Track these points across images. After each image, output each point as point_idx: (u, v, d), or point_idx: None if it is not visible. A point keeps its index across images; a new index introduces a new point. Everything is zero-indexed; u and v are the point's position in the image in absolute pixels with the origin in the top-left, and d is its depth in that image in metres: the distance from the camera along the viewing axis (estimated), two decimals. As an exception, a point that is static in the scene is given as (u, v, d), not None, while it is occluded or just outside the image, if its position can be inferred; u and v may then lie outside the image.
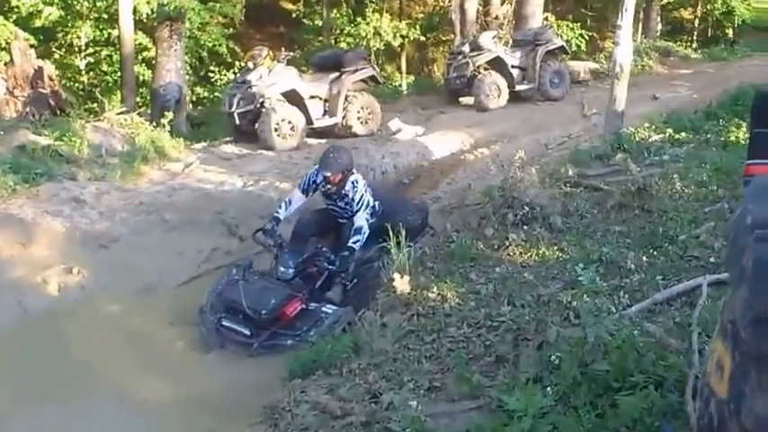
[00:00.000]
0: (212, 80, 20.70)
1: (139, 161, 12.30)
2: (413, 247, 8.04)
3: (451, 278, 7.22)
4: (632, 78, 13.81)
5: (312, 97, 15.14)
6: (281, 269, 8.16)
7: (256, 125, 14.32)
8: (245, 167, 12.90)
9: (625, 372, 4.36)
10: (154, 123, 13.59)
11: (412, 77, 22.48)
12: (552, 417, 3.84)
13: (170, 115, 14.21)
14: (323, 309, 7.85)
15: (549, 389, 4.23)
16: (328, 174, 8.58)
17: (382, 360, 5.84)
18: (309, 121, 14.89)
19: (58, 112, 13.57)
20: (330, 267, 8.26)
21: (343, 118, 15.41)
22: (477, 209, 9.57)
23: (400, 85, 20.77)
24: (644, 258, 7.08)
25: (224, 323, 7.77)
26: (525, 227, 8.48)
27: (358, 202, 8.66)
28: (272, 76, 14.67)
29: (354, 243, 8.31)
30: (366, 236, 8.40)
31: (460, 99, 19.17)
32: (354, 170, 8.95)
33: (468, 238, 8.46)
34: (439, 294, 6.73)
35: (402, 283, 6.83)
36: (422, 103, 19.67)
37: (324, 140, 14.70)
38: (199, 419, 6.23)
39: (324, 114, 15.30)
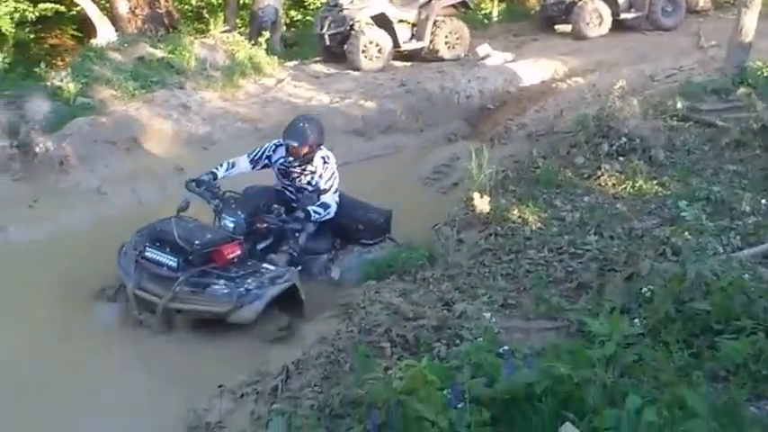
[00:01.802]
0: (306, 4, 19.98)
1: (238, 75, 12.05)
2: (373, 246, 6.76)
3: (534, 202, 6.54)
4: (764, 9, 10.90)
5: (401, 21, 14.22)
6: (229, 220, 6.00)
7: (345, 46, 13.69)
8: (332, 85, 12.44)
9: (729, 314, 3.75)
10: (252, 42, 13.25)
11: (504, 5, 20.51)
12: (639, 348, 3.40)
13: (266, 35, 13.75)
14: (263, 265, 5.90)
15: (636, 320, 3.73)
16: (295, 144, 6.25)
17: (456, 273, 5.46)
18: (396, 44, 14.03)
19: (171, 30, 13.49)
20: (281, 224, 6.10)
21: (431, 42, 14.22)
22: (567, 137, 8.24)
23: (490, 13, 19.11)
24: (762, 201, 6.06)
25: (146, 254, 5.79)
26: (621, 158, 7.35)
27: (327, 181, 6.40)
28: (363, 0, 13.98)
29: (315, 212, 6.27)
30: (330, 214, 6.41)
31: (556, 27, 16.25)
32: (323, 147, 6.56)
33: (556, 164, 7.46)
34: (519, 217, 6.20)
35: (481, 203, 6.34)
36: (514, 30, 16.91)
37: (409, 63, 13.98)
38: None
39: (411, 38, 14.36)
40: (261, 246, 6.21)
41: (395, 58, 14.01)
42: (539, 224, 6.08)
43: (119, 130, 9.45)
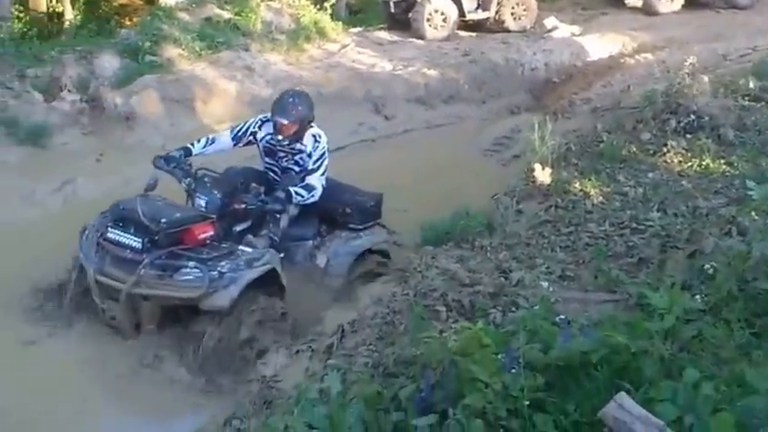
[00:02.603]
0: (372, -30, 19.96)
1: (303, 39, 12.11)
2: (363, 231, 6.10)
3: (597, 176, 6.45)
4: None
5: (467, -10, 14.14)
6: (202, 199, 5.36)
7: (410, 14, 13.60)
8: (396, 53, 12.41)
9: (794, 295, 3.59)
10: (317, 7, 13.27)
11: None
12: (699, 324, 3.35)
13: (332, 0, 13.78)
14: (239, 247, 5.26)
15: (697, 297, 3.67)
16: (284, 121, 5.55)
17: (515, 242, 5.45)
18: (462, 14, 13.86)
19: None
20: (260, 204, 5.39)
21: (497, 13, 13.98)
22: (633, 112, 8.01)
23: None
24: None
25: (108, 235, 5.10)
26: (688, 135, 7.13)
27: (316, 161, 5.67)
28: (428, -31, 13.82)
29: (297, 193, 5.53)
30: (314, 197, 5.65)
31: (627, 1, 15.81)
32: (314, 124, 5.84)
33: (620, 139, 7.30)
34: (581, 190, 6.12)
35: (543, 174, 6.28)
36: (582, 4, 16.34)
37: (474, 34, 13.83)
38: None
39: (477, 8, 14.14)
40: (238, 228, 5.50)
41: (459, 28, 13.89)
42: (600, 198, 6.00)
43: (184, 89, 9.63)
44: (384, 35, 13.62)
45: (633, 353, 3.02)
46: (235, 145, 5.90)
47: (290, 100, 5.69)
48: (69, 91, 9.28)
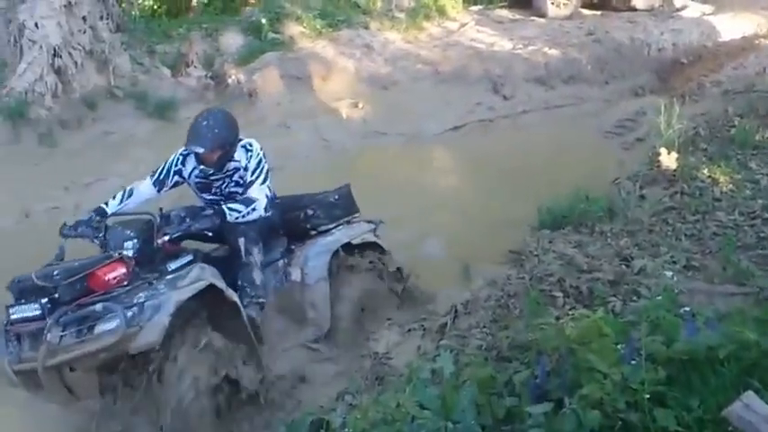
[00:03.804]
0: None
1: (422, 17, 12.02)
2: (336, 228, 5.37)
3: (726, 163, 6.13)
4: None
5: (592, -33, 13.64)
6: (124, 248, 4.41)
7: (532, -9, 13.33)
8: (516, 32, 12.17)
9: None
10: (436, -15, 13.15)
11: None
12: (841, 324, 3.14)
13: (452, -22, 13.64)
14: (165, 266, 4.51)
15: None
16: (200, 150, 4.67)
17: (637, 229, 5.25)
18: (586, -9, 13.51)
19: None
20: (185, 230, 4.56)
21: None
22: None
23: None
24: None
25: (12, 317, 4.21)
26: None
27: (254, 171, 4.84)
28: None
29: (233, 209, 4.71)
30: (256, 212, 4.85)
31: None
32: (242, 136, 4.97)
33: (754, 124, 6.89)
34: (709, 176, 5.85)
35: (668, 159, 6.04)
36: None
37: (599, 12, 13.36)
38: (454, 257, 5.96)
39: None
40: (173, 265, 4.55)
41: (584, 6, 13.45)
42: (730, 186, 5.71)
43: (304, 67, 9.78)
44: (505, 13, 13.37)
45: (763, 350, 2.87)
46: (159, 191, 4.97)
47: (204, 123, 4.74)
48: (195, 67, 9.62)
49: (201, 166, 4.83)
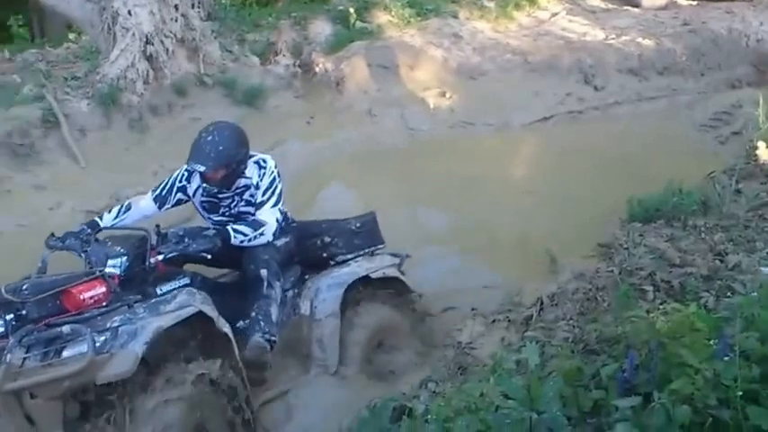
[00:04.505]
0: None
1: (512, 7, 11.94)
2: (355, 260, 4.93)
3: None
4: None
5: (690, -45, 13.21)
6: (109, 265, 3.99)
7: (626, -19, 13.03)
8: (609, 21, 11.92)
9: None
10: (529, -26, 13.00)
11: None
12: None
13: (544, -33, 13.46)
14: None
15: None
16: (201, 168, 4.25)
17: (732, 224, 5.11)
18: (683, -19, 13.09)
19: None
20: (182, 250, 4.13)
21: None
22: None
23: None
24: None
25: None
26: None
27: (266, 191, 4.45)
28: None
29: (239, 231, 4.34)
30: (264, 237, 4.41)
31: None
32: (255, 152, 4.56)
33: None
34: (812, 170, 5.69)
35: (766, 153, 5.84)
36: None
37: (695, 2, 13.01)
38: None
39: None
40: (165, 288, 4.15)
41: (680, -5, 13.10)
42: (831, 180, 5.49)
43: (392, 56, 9.81)
44: (597, 3, 13.12)
45: None
46: (160, 208, 4.62)
47: (209, 139, 4.30)
48: (284, 55, 9.79)
49: (206, 185, 4.41)
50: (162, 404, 3.59)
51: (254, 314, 4.30)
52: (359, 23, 10.46)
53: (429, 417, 2.89)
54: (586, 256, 5.36)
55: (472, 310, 4.81)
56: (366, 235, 5.05)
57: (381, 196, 6.60)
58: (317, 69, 9.47)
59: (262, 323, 4.27)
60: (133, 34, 8.45)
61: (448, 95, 9.37)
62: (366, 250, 5.00)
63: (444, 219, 6.75)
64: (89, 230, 4.33)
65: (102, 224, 4.45)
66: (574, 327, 3.95)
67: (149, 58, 8.49)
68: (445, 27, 10.69)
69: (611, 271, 4.56)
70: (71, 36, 12.09)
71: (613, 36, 11.19)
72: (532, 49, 10.67)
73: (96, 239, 4.28)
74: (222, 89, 8.93)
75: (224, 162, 4.27)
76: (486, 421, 2.63)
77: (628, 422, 2.58)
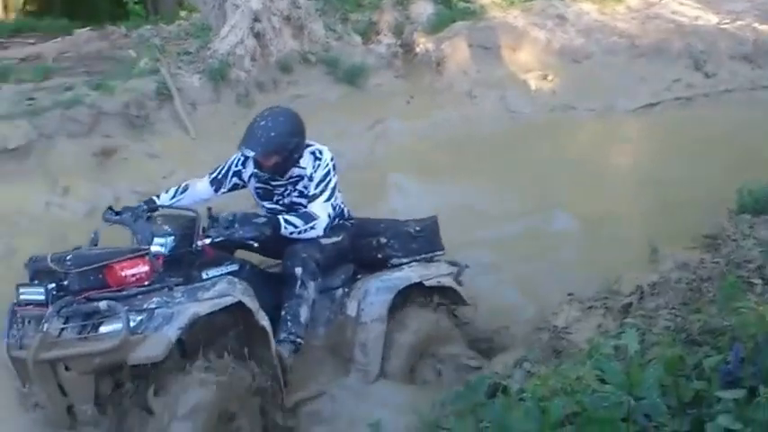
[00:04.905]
0: None
1: (621, -12, 11.63)
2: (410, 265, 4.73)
3: None
4: None
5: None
6: (156, 243, 3.94)
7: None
8: (722, 5, 11.42)
9: None
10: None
11: None
12: None
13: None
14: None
15: None
16: (250, 153, 4.29)
17: None
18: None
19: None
20: (227, 234, 4.05)
21: None
22: None
23: None
24: None
25: (20, 297, 3.81)
26: None
27: (319, 184, 4.36)
28: None
29: (289, 222, 4.25)
30: (314, 231, 4.31)
31: None
32: (312, 142, 4.49)
33: None
34: None
35: None
36: None
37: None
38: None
39: None
40: (210, 273, 4.08)
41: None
42: None
43: (494, 37, 9.73)
44: (711, -14, 12.67)
45: None
46: (216, 191, 4.63)
47: (262, 124, 4.29)
48: (385, 35, 9.83)
49: (258, 171, 4.42)
50: (193, 389, 3.61)
51: (283, 313, 4.22)
52: (461, 3, 10.40)
53: (525, 394, 2.90)
54: (689, 247, 5.22)
55: (569, 295, 4.76)
56: (425, 240, 4.86)
57: (479, 178, 6.61)
58: (418, 49, 9.49)
59: (288, 323, 4.20)
60: (242, 11, 8.67)
61: (550, 78, 9.26)
62: (423, 256, 4.82)
63: (540, 204, 6.68)
64: (145, 207, 4.35)
65: (158, 202, 4.48)
66: (676, 316, 3.87)
67: (257, 36, 8.69)
68: (549, 8, 10.49)
69: (717, 262, 4.44)
70: (182, 14, 12.52)
71: (727, 21, 10.75)
72: (640, 32, 10.38)
73: (148, 217, 4.27)
74: (325, 67, 9.06)
75: (275, 149, 4.24)
76: (583, 403, 2.62)
77: (730, 415, 2.54)
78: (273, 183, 4.48)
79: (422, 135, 7.97)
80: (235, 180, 4.61)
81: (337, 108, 8.48)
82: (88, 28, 11.82)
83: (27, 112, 7.05)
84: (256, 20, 8.70)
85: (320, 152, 4.42)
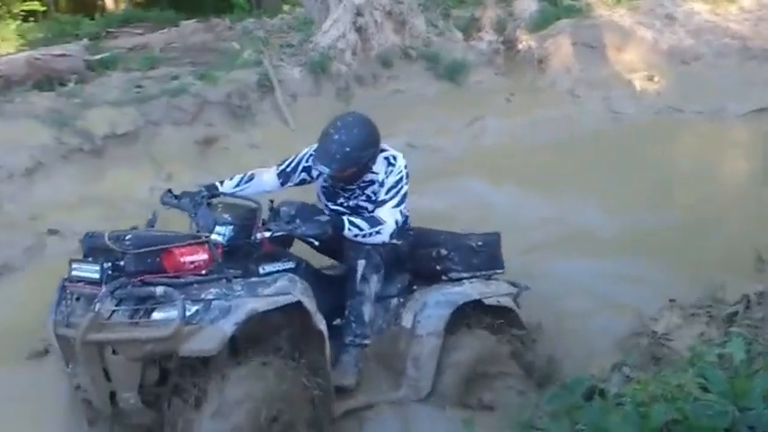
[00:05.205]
0: None
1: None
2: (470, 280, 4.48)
3: None
4: None
5: None
6: (216, 232, 3.87)
7: None
8: (843, 7, 10.97)
9: None
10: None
11: None
12: None
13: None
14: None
15: None
16: (326, 170, 4.07)
17: None
18: None
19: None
20: (288, 229, 3.91)
21: None
22: None
23: None
24: None
25: (72, 273, 3.63)
26: None
27: (390, 189, 4.16)
28: None
29: (354, 224, 4.04)
30: (379, 236, 4.09)
31: None
32: (387, 146, 4.22)
33: None
34: None
35: None
36: None
37: None
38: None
39: None
40: (267, 268, 3.96)
41: None
42: None
43: (599, 35, 9.58)
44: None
45: None
46: (283, 184, 4.46)
47: (336, 137, 4.04)
48: (487, 31, 9.78)
49: (331, 181, 4.23)
50: (242, 384, 3.49)
51: (347, 313, 4.11)
52: (567, 1, 10.27)
53: (624, 398, 2.85)
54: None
55: (670, 301, 4.64)
56: (486, 256, 4.61)
57: (579, 179, 6.50)
58: (521, 46, 9.42)
59: (353, 325, 4.08)
60: (345, 6, 8.79)
61: (656, 79, 9.04)
62: (483, 272, 4.58)
63: (643, 210, 6.51)
64: (206, 193, 4.18)
65: (221, 189, 4.30)
66: (784, 327, 3.75)
67: (359, 30, 8.80)
68: (658, 8, 10.25)
69: (831, 273, 4.27)
70: (285, 8, 12.76)
71: None
72: (753, 34, 10.05)
73: (209, 203, 4.11)
74: (425, 62, 9.08)
75: (350, 164, 4.03)
76: (684, 411, 2.56)
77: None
78: (336, 188, 4.31)
79: (521, 133, 7.90)
80: (303, 175, 4.41)
81: (436, 104, 8.49)
82: (194, 20, 12.21)
83: (135, 99, 7.33)
84: (359, 14, 8.80)
85: (394, 158, 4.19)
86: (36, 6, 16.03)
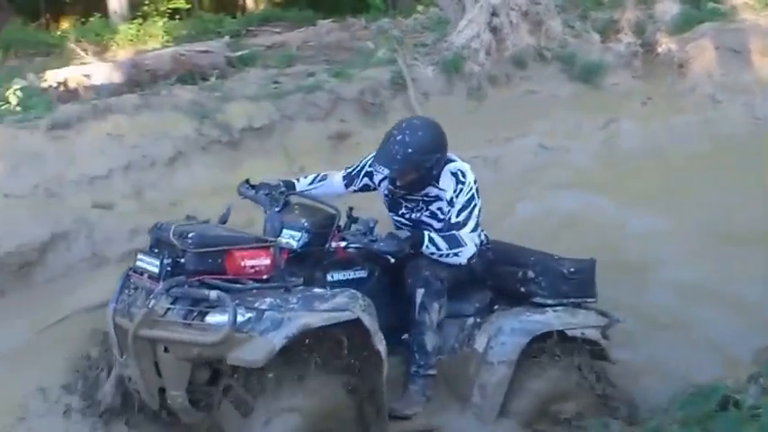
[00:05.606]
0: None
1: None
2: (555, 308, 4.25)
3: None
4: None
5: None
6: (288, 234, 3.81)
7: None
8: None
9: None
10: None
11: None
12: None
13: None
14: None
15: None
16: (384, 172, 3.93)
17: None
18: None
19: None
20: (366, 244, 3.79)
21: None
22: None
23: None
24: None
25: (136, 264, 3.72)
26: None
27: (461, 211, 3.96)
28: None
29: (433, 242, 3.88)
30: (459, 258, 3.93)
31: None
32: (456, 156, 4.10)
33: None
34: None
35: None
36: None
37: None
38: None
39: None
40: (336, 276, 3.86)
41: None
42: None
43: (744, 40, 9.16)
44: None
45: None
46: (347, 187, 4.40)
47: (399, 138, 3.89)
48: (625, 34, 9.57)
49: (391, 186, 4.08)
50: (293, 397, 3.47)
51: (410, 343, 3.97)
52: (711, 4, 9.89)
53: (759, 411, 2.78)
54: None
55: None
56: (578, 284, 4.33)
57: (722, 185, 6.26)
58: (660, 50, 9.16)
59: (417, 356, 3.93)
60: (481, 6, 8.82)
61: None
62: (571, 300, 4.32)
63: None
64: (284, 188, 4.14)
65: (297, 187, 4.29)
66: None
67: (494, 30, 8.79)
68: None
69: None
70: (419, 8, 12.92)
71: None
72: None
73: (285, 203, 4.06)
74: (560, 64, 8.98)
75: (411, 167, 3.88)
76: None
77: None
78: (397, 197, 4.18)
79: (657, 138, 7.67)
80: (366, 180, 4.34)
81: (569, 105, 8.39)
82: (330, 19, 12.57)
83: (271, 94, 7.58)
84: (494, 14, 8.80)
85: (463, 174, 4.00)
86: (181, 4, 16.90)
